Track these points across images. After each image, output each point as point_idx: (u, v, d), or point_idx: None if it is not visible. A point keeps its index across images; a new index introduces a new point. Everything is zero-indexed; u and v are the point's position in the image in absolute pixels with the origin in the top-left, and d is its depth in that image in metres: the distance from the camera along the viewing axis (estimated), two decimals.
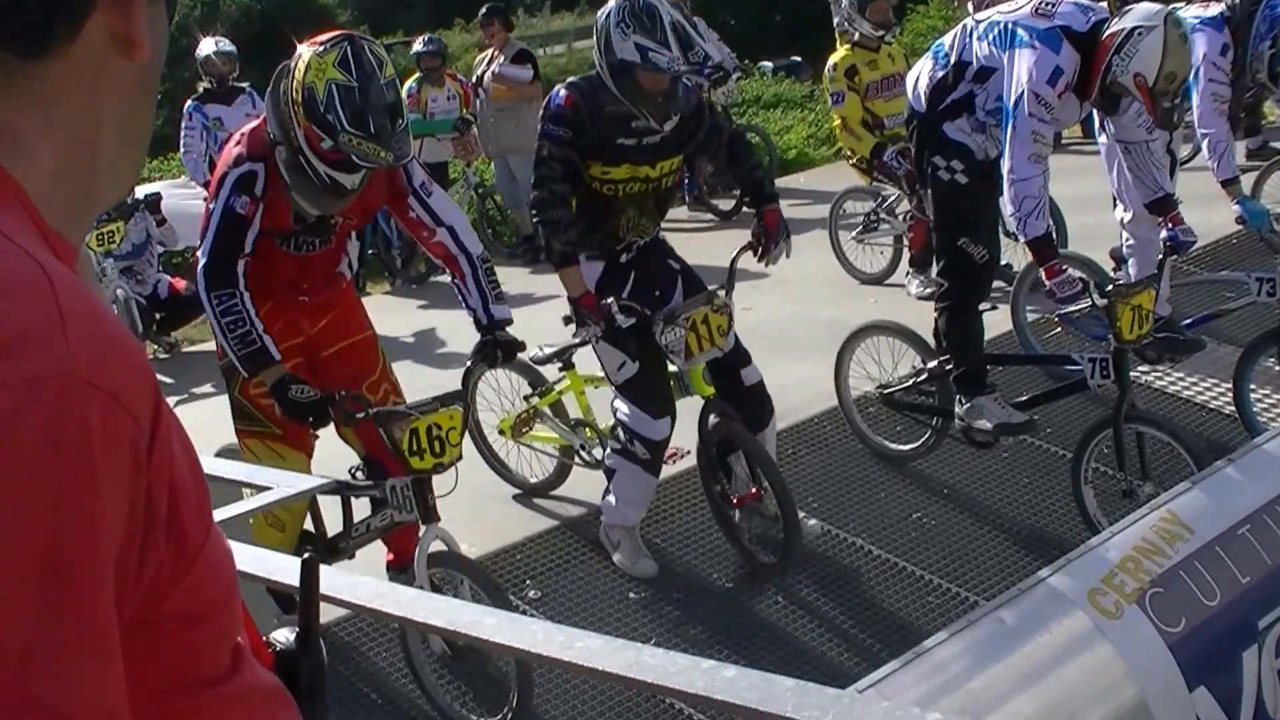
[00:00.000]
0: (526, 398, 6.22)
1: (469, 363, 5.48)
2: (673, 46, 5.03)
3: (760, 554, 5.68)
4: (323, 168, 4.50)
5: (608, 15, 5.16)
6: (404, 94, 12.22)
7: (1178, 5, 6.69)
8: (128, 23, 1.02)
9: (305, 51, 4.43)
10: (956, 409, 6.12)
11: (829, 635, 5.35)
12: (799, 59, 47.33)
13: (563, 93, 5.26)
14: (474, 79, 12.60)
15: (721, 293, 5.38)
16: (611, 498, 5.66)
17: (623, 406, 5.49)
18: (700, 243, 5.78)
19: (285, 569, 3.00)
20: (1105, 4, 6.38)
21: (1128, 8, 5.76)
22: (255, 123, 4.76)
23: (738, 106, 14.95)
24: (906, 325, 6.44)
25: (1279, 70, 6.69)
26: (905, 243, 8.88)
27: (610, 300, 5.21)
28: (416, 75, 12.36)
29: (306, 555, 1.67)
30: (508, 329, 4.96)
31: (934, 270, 6.71)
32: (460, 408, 4.56)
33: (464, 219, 5.14)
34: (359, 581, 2.76)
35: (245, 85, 11.14)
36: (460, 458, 4.60)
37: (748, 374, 5.57)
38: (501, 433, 6.29)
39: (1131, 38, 5.48)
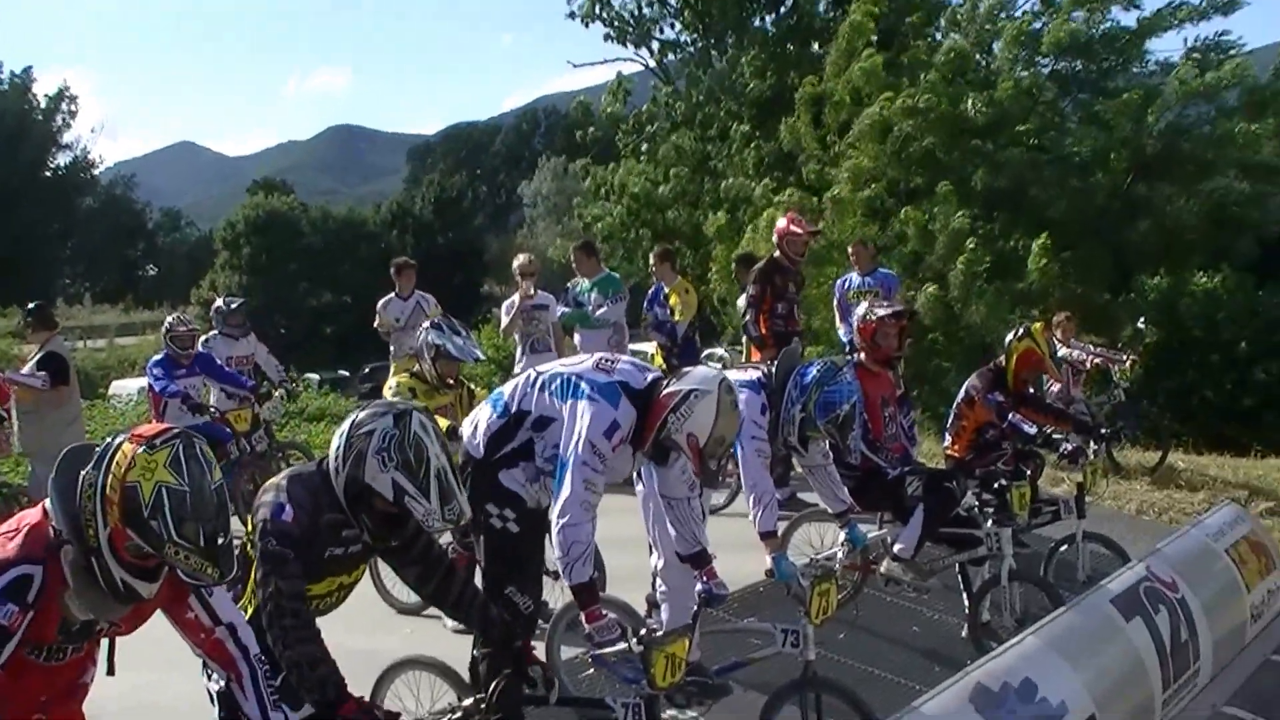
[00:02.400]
0: None
1: None
2: (432, 497, 4.75)
3: None
4: (120, 574, 3.98)
5: (369, 434, 4.81)
6: None
7: (715, 351, 7.14)
8: None
9: (126, 445, 3.95)
10: None
11: None
12: (346, 373, 47.84)
13: (289, 510, 4.83)
14: None
15: None
16: None
17: None
18: None
19: None
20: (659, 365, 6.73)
21: (685, 370, 6.10)
22: (32, 515, 4.15)
23: (281, 420, 14.80)
24: (443, 659, 6.36)
25: (808, 434, 7.14)
26: None
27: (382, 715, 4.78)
28: None
29: None
30: None
31: None
32: None
33: (242, 616, 4.62)
34: None
35: None
36: None
37: None
38: None
39: (688, 399, 5.84)
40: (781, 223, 12.53)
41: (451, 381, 9.30)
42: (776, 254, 12.40)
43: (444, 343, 9.10)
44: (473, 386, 9.53)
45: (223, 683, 4.71)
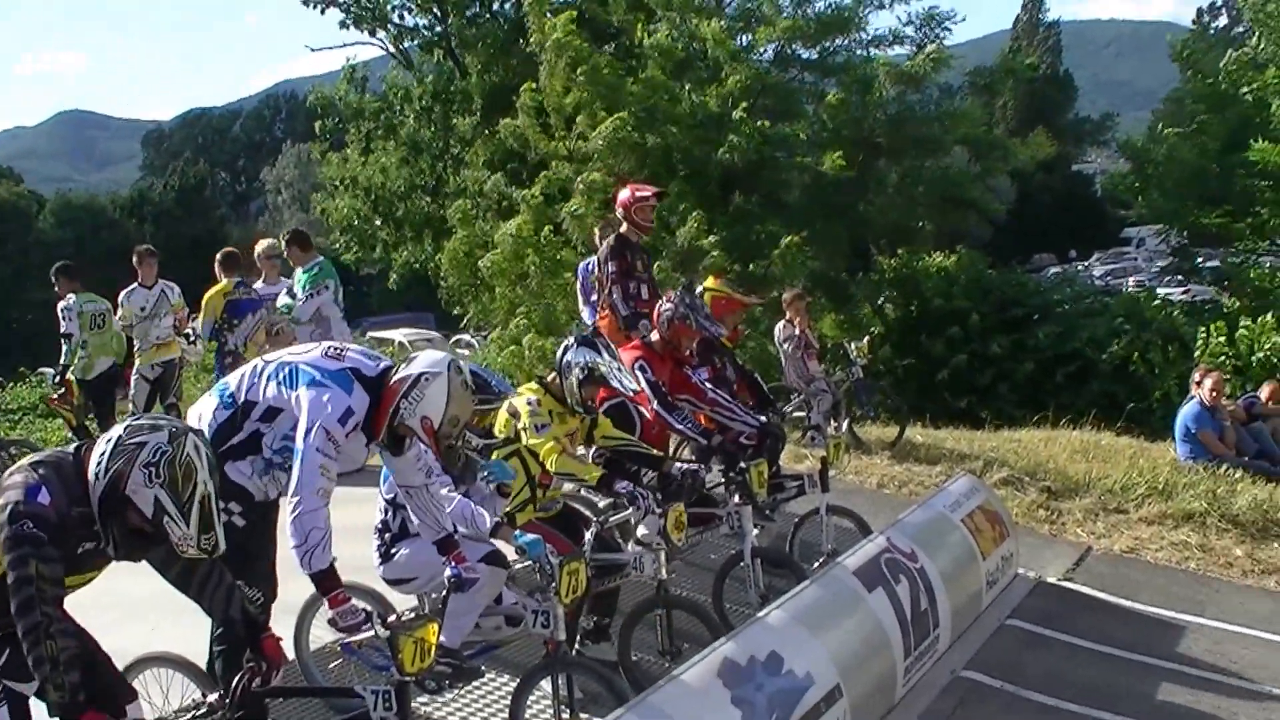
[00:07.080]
0: None
1: None
2: (192, 523, 4.56)
3: None
4: None
5: (139, 445, 4.59)
6: None
7: (462, 337, 7.07)
8: None
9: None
10: None
11: None
12: None
13: (44, 493, 4.60)
14: None
15: None
16: None
17: None
18: None
19: None
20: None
21: (413, 355, 6.08)
22: None
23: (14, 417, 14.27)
24: (185, 655, 6.21)
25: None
26: None
27: None
28: None
29: None
30: None
31: None
32: None
33: None
34: None
35: None
36: None
37: None
38: None
39: (419, 383, 5.87)
40: (625, 194, 11.74)
41: (588, 406, 8.15)
42: (624, 228, 11.62)
43: (598, 364, 7.97)
44: (599, 415, 8.49)
45: None
